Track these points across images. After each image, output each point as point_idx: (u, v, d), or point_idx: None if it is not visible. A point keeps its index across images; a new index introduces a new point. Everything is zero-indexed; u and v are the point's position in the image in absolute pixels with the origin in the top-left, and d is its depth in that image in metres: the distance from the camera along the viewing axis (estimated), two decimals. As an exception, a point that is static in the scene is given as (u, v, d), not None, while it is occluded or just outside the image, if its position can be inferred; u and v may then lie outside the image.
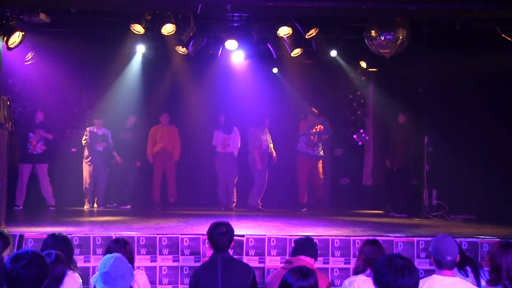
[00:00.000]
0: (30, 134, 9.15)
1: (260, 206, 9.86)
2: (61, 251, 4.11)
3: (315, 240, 4.61)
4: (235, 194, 9.83)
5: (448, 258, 3.75)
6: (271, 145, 9.99)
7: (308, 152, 9.91)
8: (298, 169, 10.05)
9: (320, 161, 10.08)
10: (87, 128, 9.79)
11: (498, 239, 5.88)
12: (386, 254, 4.43)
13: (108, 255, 3.56)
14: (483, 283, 4.20)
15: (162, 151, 9.96)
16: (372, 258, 4.23)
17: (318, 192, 10.12)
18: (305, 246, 4.48)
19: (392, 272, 2.82)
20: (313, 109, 10.16)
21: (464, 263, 4.27)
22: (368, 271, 4.23)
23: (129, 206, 9.84)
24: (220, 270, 4.26)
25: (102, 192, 9.86)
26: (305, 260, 4.33)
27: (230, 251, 5.66)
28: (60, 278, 3.64)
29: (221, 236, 4.36)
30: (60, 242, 4.27)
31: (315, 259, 4.49)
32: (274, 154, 9.97)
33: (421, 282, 3.75)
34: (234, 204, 9.77)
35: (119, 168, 10.00)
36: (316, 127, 9.90)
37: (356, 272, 4.32)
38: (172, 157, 10.03)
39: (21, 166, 9.15)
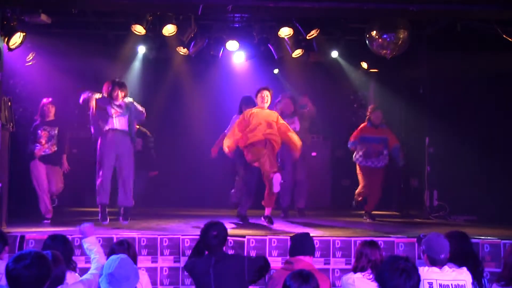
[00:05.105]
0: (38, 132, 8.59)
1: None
2: (60, 252, 4.11)
3: (310, 236, 4.66)
4: None
5: (442, 255, 4.06)
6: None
7: None
8: None
9: None
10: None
11: (501, 240, 5.88)
12: (385, 254, 4.50)
13: (113, 256, 3.56)
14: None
15: None
16: (373, 260, 4.28)
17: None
18: (302, 244, 4.51)
19: (392, 271, 2.95)
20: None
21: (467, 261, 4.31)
22: (369, 271, 4.25)
23: None
24: (213, 267, 4.43)
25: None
26: (305, 260, 4.34)
27: (231, 251, 5.69)
28: (61, 278, 3.64)
29: (212, 239, 4.54)
30: (60, 243, 4.27)
31: (313, 256, 4.54)
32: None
33: (421, 269, 3.86)
34: None
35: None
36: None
37: (355, 270, 4.33)
38: None
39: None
